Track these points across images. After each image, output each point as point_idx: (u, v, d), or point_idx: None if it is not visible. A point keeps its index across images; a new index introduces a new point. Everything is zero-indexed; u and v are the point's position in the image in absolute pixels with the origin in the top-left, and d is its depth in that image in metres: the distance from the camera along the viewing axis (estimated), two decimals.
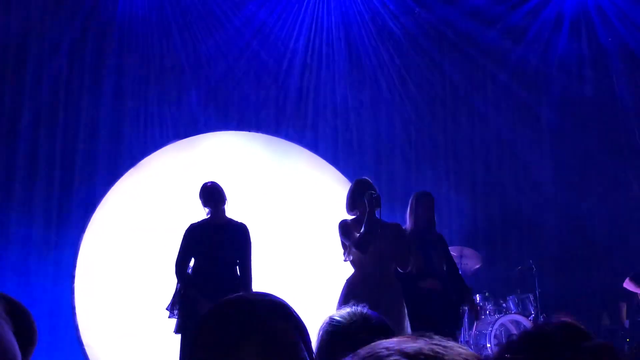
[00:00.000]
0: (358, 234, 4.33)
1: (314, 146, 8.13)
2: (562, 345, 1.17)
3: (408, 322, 4.39)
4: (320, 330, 1.59)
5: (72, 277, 6.80)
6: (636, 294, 7.34)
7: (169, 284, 4.92)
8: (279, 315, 1.23)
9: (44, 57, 7.27)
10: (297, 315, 1.27)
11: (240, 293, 1.28)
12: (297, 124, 8.16)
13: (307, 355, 1.22)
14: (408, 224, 4.94)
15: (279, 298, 1.29)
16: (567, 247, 8.36)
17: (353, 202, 4.55)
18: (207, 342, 1.19)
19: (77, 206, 7.05)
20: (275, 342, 1.18)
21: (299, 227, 7.47)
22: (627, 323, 7.52)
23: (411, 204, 5.02)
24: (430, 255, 4.86)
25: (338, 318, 1.57)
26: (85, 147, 7.28)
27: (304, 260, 7.32)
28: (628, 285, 7.15)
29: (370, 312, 1.61)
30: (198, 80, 7.84)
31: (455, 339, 4.73)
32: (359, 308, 1.61)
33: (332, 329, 1.55)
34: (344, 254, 4.50)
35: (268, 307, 1.23)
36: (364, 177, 4.74)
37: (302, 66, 8.30)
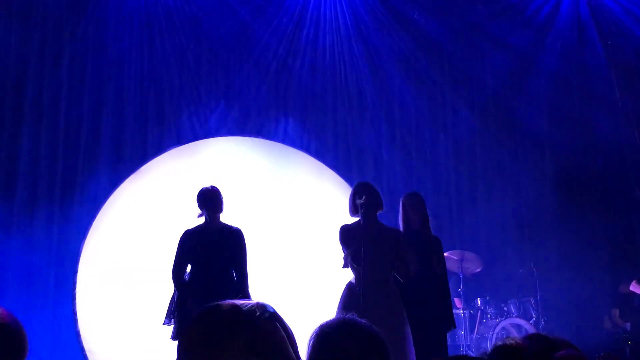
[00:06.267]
0: (355, 242, 4.31)
1: (315, 151, 8.14)
2: (533, 356, 1.18)
3: (408, 326, 4.35)
4: (310, 340, 1.60)
5: (74, 283, 6.81)
6: (638, 295, 7.34)
7: (170, 290, 4.92)
8: (266, 316, 1.24)
9: (45, 61, 7.30)
10: (285, 321, 1.28)
11: (229, 300, 1.30)
12: (297, 129, 8.17)
13: (293, 356, 1.23)
14: (401, 229, 4.84)
15: (268, 304, 1.30)
16: (568, 250, 8.34)
17: (354, 206, 4.54)
18: (194, 342, 1.20)
19: (78, 213, 7.07)
20: (263, 341, 1.19)
21: (301, 232, 7.46)
22: (628, 326, 7.51)
23: (400, 207, 4.93)
24: (430, 259, 4.77)
25: (326, 328, 1.58)
26: (86, 154, 7.30)
27: (305, 266, 7.32)
28: (635, 287, 7.14)
29: (359, 320, 1.61)
30: (198, 87, 7.86)
31: (446, 339, 4.72)
32: (348, 317, 1.62)
33: (322, 339, 1.56)
34: (344, 258, 4.48)
35: (256, 309, 1.24)
36: (363, 181, 4.71)
37: (304, 71, 8.31)
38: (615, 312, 7.63)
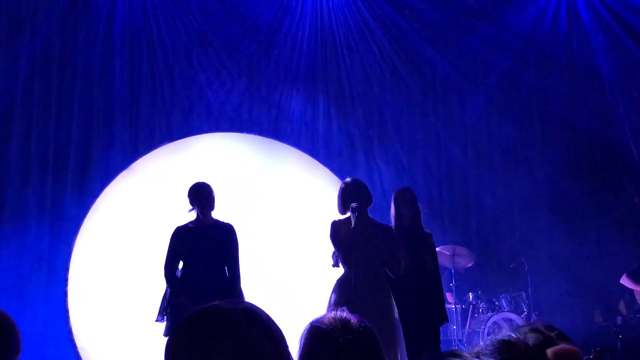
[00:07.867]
0: (346, 239, 4.31)
1: (307, 147, 8.14)
2: (526, 351, 1.19)
3: (399, 322, 4.35)
4: (301, 337, 1.61)
5: (65, 280, 6.79)
6: (631, 290, 7.36)
7: (163, 287, 4.92)
8: (253, 324, 1.24)
9: (35, 58, 7.25)
10: (275, 325, 1.28)
11: (217, 302, 1.29)
12: (289, 125, 8.16)
13: None
14: (393, 224, 4.83)
15: (256, 307, 1.30)
16: (559, 245, 8.38)
17: (343, 204, 4.53)
18: (179, 350, 1.21)
19: (70, 210, 7.04)
20: (247, 351, 1.19)
21: (293, 229, 7.46)
22: (619, 319, 7.56)
23: (392, 203, 4.92)
24: (422, 254, 4.78)
25: (318, 324, 1.59)
26: (77, 151, 7.27)
27: (297, 262, 7.32)
28: (625, 281, 7.15)
29: (350, 316, 1.62)
30: (191, 82, 7.84)
31: (439, 334, 4.73)
32: (339, 312, 1.63)
33: (313, 335, 1.57)
34: (333, 256, 4.48)
35: (243, 316, 1.24)
36: (352, 178, 4.70)
37: (296, 67, 8.29)
38: (622, 302, 7.66)
